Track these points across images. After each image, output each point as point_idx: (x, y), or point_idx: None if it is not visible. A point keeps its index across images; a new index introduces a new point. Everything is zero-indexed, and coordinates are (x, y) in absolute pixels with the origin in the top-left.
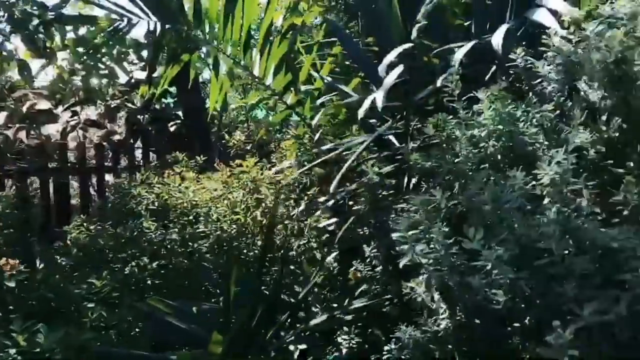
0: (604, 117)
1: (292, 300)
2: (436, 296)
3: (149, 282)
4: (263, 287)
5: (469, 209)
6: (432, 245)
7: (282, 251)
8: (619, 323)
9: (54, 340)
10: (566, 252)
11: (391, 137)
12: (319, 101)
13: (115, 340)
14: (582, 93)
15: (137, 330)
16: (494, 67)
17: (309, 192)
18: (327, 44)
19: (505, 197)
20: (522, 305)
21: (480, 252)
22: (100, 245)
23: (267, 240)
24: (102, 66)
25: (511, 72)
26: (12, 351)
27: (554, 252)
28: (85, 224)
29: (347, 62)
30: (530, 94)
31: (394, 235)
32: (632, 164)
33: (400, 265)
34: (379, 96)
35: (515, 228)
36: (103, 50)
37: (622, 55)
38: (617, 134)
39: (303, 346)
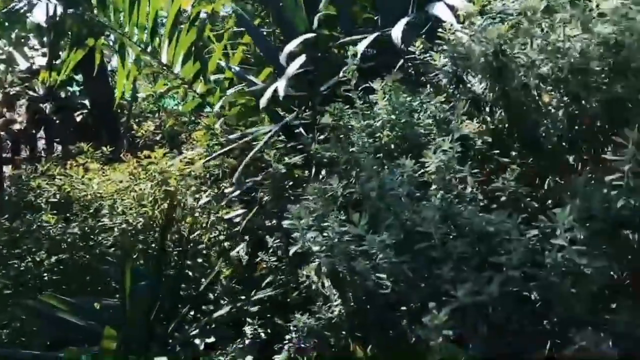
0: (488, 109)
1: (196, 293)
2: (327, 283)
3: (46, 278)
4: (170, 281)
5: (363, 196)
6: (325, 233)
7: (190, 244)
8: (492, 303)
9: None
10: (450, 236)
11: (301, 129)
12: (229, 91)
13: (6, 340)
14: (468, 85)
15: (32, 329)
16: (402, 60)
17: (220, 184)
18: (240, 32)
19: (391, 184)
20: (407, 289)
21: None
22: None
23: (165, 232)
24: None
25: (409, 64)
26: None
27: (434, 236)
28: None
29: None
30: (428, 85)
31: (285, 223)
32: (514, 153)
33: (291, 253)
34: (280, 85)
35: (400, 214)
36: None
37: (501, 47)
38: (500, 125)
39: (211, 339)
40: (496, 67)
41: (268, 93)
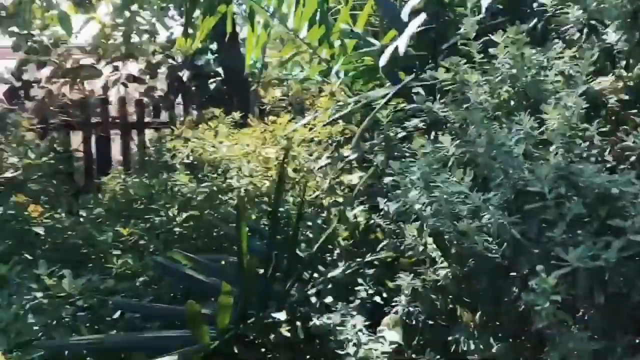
0: (623, 62)
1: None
2: (430, 245)
3: (177, 232)
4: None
5: (474, 154)
6: (432, 193)
7: (310, 207)
8: (610, 270)
9: (77, 287)
10: (566, 197)
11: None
12: (353, 55)
13: (141, 287)
14: (601, 35)
15: (161, 280)
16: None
17: (341, 149)
18: None
19: (505, 141)
20: (514, 252)
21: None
22: (131, 195)
23: (280, 193)
24: (143, 21)
25: (539, 19)
26: (39, 294)
27: (547, 196)
28: (121, 176)
29: None
30: (558, 41)
31: (386, 180)
32: None
33: (391, 210)
34: (401, 42)
35: (511, 172)
36: (144, 5)
37: None
38: (638, 80)
39: (328, 299)
40: (632, 10)
41: (388, 52)
